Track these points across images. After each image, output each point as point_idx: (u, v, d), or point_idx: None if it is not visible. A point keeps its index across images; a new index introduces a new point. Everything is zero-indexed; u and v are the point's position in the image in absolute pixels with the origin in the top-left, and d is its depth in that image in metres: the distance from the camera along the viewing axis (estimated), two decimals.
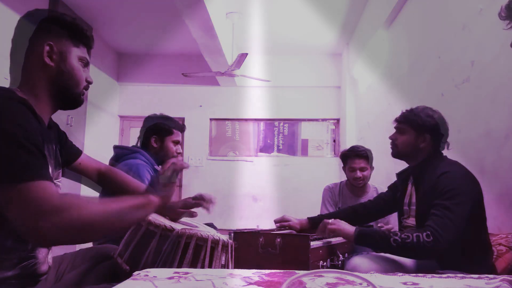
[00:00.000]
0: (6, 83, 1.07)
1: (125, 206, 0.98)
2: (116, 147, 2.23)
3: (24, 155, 0.86)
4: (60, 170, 1.15)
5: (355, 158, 2.65)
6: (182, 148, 2.41)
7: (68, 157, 1.25)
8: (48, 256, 1.06)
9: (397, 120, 1.89)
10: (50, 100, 1.07)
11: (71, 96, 1.09)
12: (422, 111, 1.82)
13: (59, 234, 0.84)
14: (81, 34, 1.10)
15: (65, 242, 0.88)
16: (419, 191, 1.79)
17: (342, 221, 1.81)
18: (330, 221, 1.82)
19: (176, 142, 2.30)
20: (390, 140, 1.92)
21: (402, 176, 1.96)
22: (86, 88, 1.13)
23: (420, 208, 1.76)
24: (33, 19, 1.06)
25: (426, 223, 1.58)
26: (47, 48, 1.03)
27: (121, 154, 2.14)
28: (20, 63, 1.05)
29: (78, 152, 1.29)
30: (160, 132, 2.25)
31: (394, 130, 1.92)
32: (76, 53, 1.09)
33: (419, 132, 1.79)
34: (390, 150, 1.93)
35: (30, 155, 0.87)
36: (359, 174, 2.63)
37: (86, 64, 1.12)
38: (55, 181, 1.05)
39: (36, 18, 1.06)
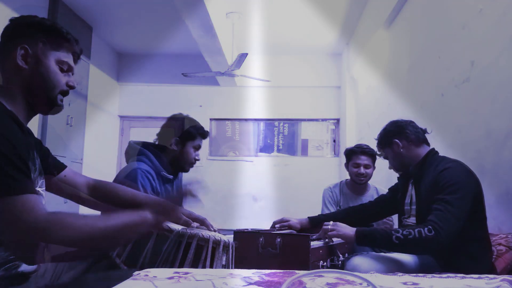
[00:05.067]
0: None
1: (119, 224, 1.00)
2: (129, 144, 2.11)
3: (9, 169, 0.87)
4: (43, 180, 1.11)
5: (361, 154, 2.68)
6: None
7: (53, 168, 1.21)
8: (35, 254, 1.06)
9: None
10: (26, 104, 1.06)
11: (45, 99, 1.07)
12: (381, 132, 2.00)
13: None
14: (61, 38, 1.09)
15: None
16: (419, 190, 1.80)
17: (341, 224, 1.75)
18: (329, 226, 1.76)
19: (197, 148, 2.19)
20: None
21: (403, 178, 1.98)
22: (65, 93, 1.11)
23: (421, 206, 1.77)
24: (11, 24, 1.07)
25: (428, 218, 1.58)
26: (21, 51, 1.03)
27: (131, 152, 2.05)
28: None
29: (62, 166, 1.25)
30: (183, 135, 2.13)
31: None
32: (54, 56, 1.07)
33: (388, 144, 1.92)
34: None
35: (15, 170, 0.88)
36: (362, 170, 2.65)
37: (68, 69, 1.10)
38: (38, 189, 1.03)
39: (14, 23, 1.07)
